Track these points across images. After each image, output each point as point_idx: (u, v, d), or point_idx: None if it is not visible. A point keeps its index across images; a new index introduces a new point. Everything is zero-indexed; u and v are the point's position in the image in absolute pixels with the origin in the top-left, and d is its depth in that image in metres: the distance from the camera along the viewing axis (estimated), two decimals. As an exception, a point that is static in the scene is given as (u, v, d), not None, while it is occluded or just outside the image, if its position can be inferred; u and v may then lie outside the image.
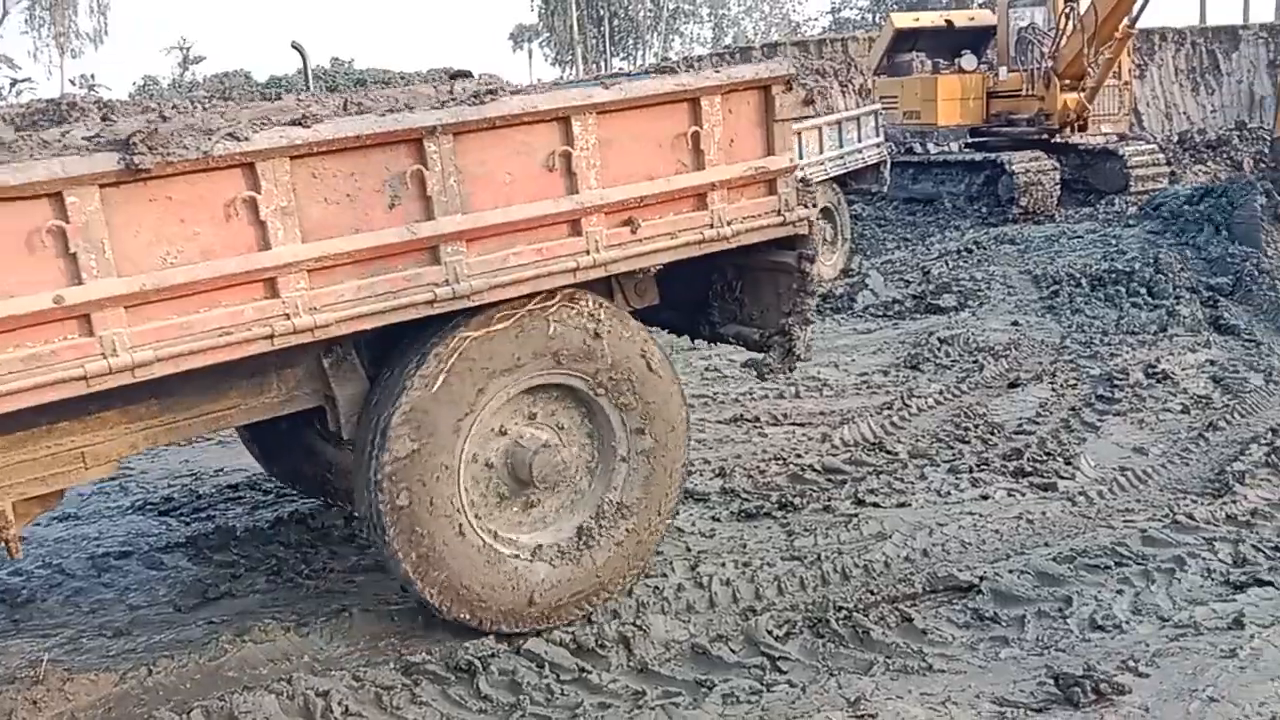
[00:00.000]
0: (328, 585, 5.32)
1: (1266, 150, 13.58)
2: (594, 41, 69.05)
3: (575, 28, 63.77)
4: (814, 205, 5.12)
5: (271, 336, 3.82)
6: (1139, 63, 28.59)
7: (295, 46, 5.07)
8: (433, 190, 4.01)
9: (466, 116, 4.05)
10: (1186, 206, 15.27)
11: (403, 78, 40.94)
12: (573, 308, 4.57)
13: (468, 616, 4.55)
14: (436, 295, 4.09)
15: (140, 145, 3.45)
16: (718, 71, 4.78)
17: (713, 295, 5.63)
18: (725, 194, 4.77)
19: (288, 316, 3.83)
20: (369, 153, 3.91)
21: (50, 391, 3.48)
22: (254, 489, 6.81)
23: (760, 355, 5.50)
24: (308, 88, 5.91)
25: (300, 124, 3.78)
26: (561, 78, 58.50)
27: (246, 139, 3.64)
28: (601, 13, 69.07)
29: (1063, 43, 19.34)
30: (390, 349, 4.48)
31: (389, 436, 4.25)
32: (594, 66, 61.98)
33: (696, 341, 6.05)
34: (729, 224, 4.80)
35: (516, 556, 4.65)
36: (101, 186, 3.45)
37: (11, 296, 3.36)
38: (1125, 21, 18.16)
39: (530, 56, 79.62)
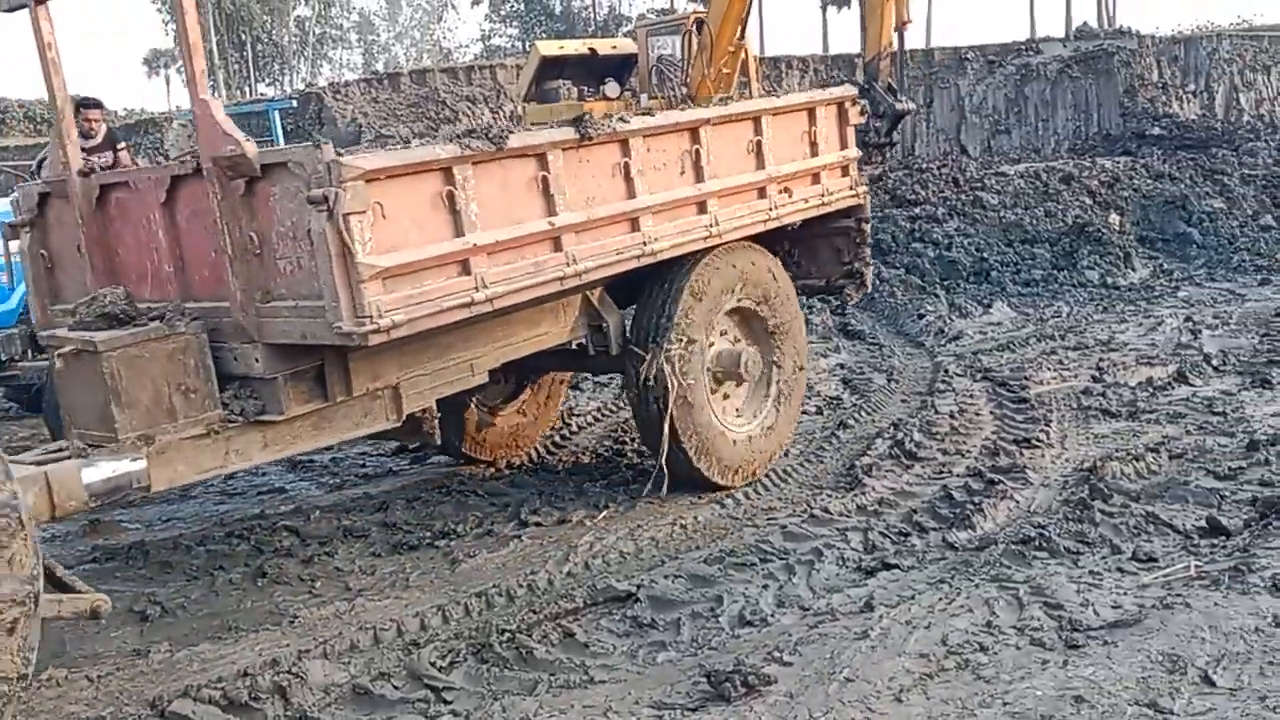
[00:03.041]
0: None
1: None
2: (236, 67, 66.22)
3: (215, 53, 60.80)
4: None
5: (640, 257, 5.75)
6: (769, 89, 30.48)
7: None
8: (704, 162, 6.06)
9: (721, 113, 6.25)
10: None
11: (21, 106, 37.76)
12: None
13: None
14: (710, 233, 6.14)
15: (585, 124, 5.38)
16: (825, 91, 7.31)
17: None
18: (828, 174, 7.03)
19: (645, 243, 5.75)
20: (670, 136, 5.92)
21: (547, 287, 5.27)
22: None
23: (831, 296, 8.68)
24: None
25: (648, 114, 6.12)
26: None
27: (628, 123, 5.65)
28: (244, 37, 66.41)
29: (690, 69, 20.33)
30: (621, 290, 6.25)
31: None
32: (238, 93, 59.37)
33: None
34: (832, 194, 7.06)
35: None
36: (563, 150, 5.31)
37: (522, 222, 5.14)
38: (736, 33, 19.26)
39: (168, 83, 75.17)
